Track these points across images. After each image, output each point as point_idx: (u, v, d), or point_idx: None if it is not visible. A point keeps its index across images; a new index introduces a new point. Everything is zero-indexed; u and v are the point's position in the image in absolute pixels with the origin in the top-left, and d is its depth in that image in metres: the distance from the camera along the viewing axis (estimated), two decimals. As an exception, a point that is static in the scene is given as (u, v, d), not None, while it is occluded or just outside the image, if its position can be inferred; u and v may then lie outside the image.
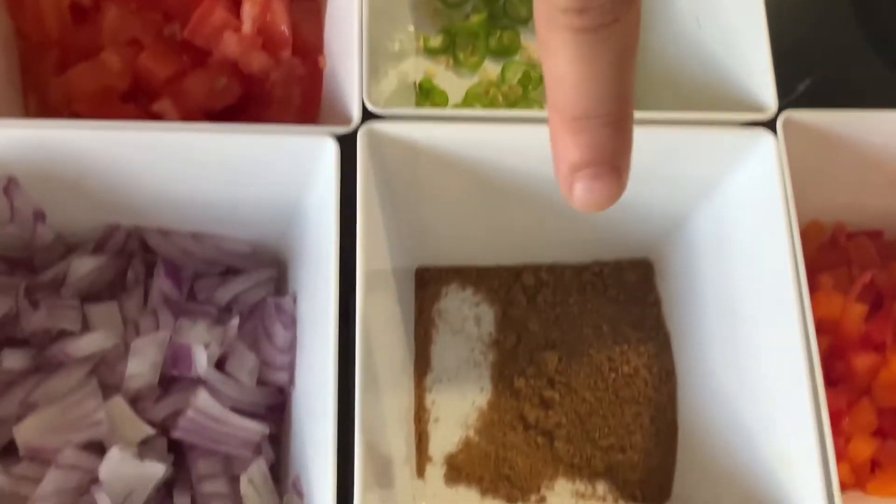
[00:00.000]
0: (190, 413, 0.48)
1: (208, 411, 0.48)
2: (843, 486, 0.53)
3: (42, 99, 0.54)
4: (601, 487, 0.55)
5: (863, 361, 0.54)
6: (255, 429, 0.49)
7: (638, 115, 0.51)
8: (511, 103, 0.61)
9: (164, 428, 0.49)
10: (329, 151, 0.47)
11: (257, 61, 0.53)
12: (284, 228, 0.53)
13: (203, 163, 0.48)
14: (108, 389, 0.48)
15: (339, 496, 0.43)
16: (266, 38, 0.54)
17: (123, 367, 0.49)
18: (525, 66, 0.62)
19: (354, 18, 0.50)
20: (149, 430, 0.48)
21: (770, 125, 0.50)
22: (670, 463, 0.56)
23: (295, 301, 0.52)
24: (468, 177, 0.52)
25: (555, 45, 0.26)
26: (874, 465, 0.54)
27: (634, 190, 0.52)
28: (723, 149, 0.51)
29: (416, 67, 0.63)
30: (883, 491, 0.53)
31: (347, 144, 0.48)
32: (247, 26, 0.53)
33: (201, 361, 0.49)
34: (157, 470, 0.46)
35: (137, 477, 0.46)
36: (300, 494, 0.47)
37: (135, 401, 0.49)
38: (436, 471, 0.55)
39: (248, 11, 0.53)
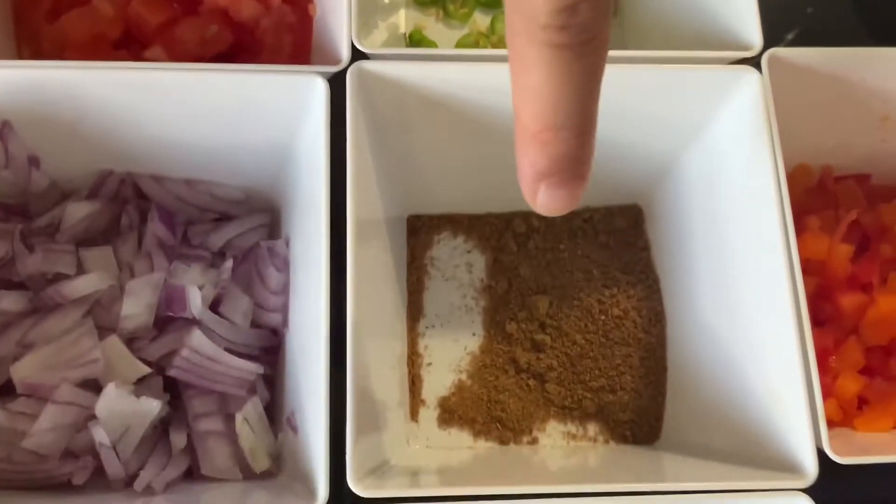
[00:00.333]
0: (185, 352, 0.48)
1: (203, 350, 0.49)
2: (832, 423, 0.54)
3: (35, 48, 0.54)
4: (592, 428, 0.56)
5: (850, 301, 0.55)
6: (250, 368, 0.50)
7: (626, 54, 0.53)
8: (501, 54, 0.61)
9: (160, 367, 0.50)
10: (318, 91, 0.48)
11: (248, 8, 0.54)
12: (277, 174, 0.54)
13: (194, 104, 0.49)
14: (103, 331, 0.49)
15: (333, 435, 0.44)
16: (256, -15, 0.54)
17: (119, 308, 0.49)
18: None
19: (344, -35, 0.50)
20: (144, 369, 0.49)
21: (757, 65, 0.51)
22: (660, 403, 0.56)
23: (288, 244, 0.53)
24: (459, 119, 0.52)
25: (531, 59, 0.27)
26: (861, 402, 0.55)
27: (623, 133, 0.54)
28: (709, 88, 0.51)
29: (406, 19, 0.63)
30: (870, 426, 0.53)
31: (338, 87, 0.49)
32: (237, -27, 0.54)
33: (195, 302, 0.49)
34: (153, 406, 0.47)
35: (134, 413, 0.47)
36: (294, 429, 0.48)
37: (130, 341, 0.49)
38: (429, 413, 0.56)
39: (238, -42, 0.54)
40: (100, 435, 0.46)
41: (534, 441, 0.55)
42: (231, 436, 0.49)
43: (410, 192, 0.57)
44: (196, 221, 0.55)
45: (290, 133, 0.50)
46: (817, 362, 0.47)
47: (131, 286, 0.49)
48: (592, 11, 0.26)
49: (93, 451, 0.47)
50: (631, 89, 0.51)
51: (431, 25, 0.63)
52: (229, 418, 0.49)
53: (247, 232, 0.54)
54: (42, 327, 0.49)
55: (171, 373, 0.48)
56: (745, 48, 0.51)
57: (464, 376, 0.57)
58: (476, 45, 0.62)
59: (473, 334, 0.58)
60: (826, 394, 0.53)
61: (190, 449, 0.49)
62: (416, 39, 0.62)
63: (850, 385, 0.54)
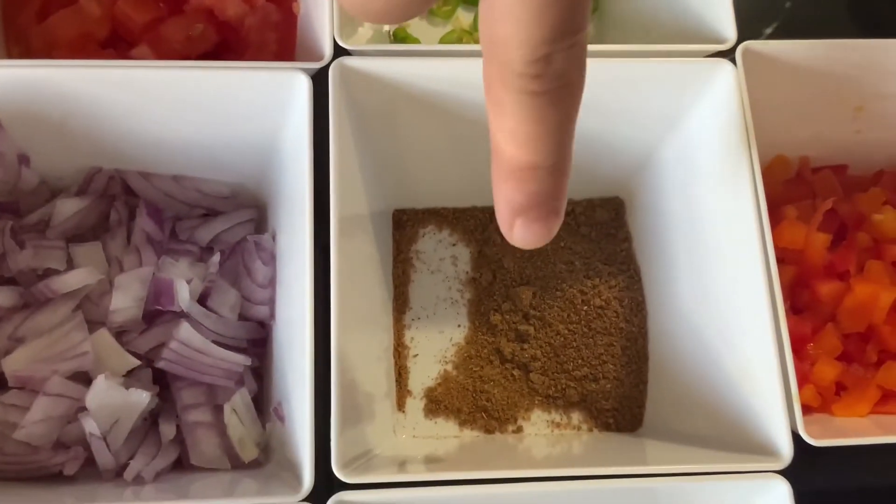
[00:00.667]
0: (173, 344, 0.49)
1: (191, 342, 0.50)
2: (810, 409, 0.55)
3: (24, 48, 0.55)
4: (576, 417, 0.57)
5: (827, 289, 0.56)
6: (238, 360, 0.51)
7: (602, 48, 0.54)
8: (483, 50, 0.62)
9: (149, 360, 0.50)
10: (301, 87, 0.49)
11: (233, 7, 0.55)
12: (262, 169, 0.54)
13: (180, 101, 0.50)
14: (93, 325, 0.50)
15: (319, 424, 0.45)
16: (241, -15, 0.55)
17: (108, 302, 0.50)
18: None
19: (327, -36, 0.51)
20: (134, 361, 0.49)
21: (732, 58, 0.52)
22: (642, 391, 0.57)
23: (274, 238, 0.54)
24: (442, 114, 0.53)
25: (507, 104, 0.28)
26: (839, 388, 0.56)
27: (602, 126, 0.55)
28: (685, 81, 0.52)
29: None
30: (847, 412, 0.54)
31: (321, 84, 0.50)
32: (221, -27, 0.55)
33: (184, 295, 0.50)
34: (142, 398, 0.48)
35: (123, 405, 0.48)
36: (281, 419, 0.49)
37: (120, 334, 0.50)
38: (416, 404, 0.57)
39: (223, -42, 0.55)
40: (90, 426, 0.47)
41: (519, 430, 0.56)
42: (219, 426, 0.50)
43: (395, 186, 0.58)
44: (184, 217, 0.56)
45: (275, 129, 0.51)
46: (795, 349, 0.48)
47: (120, 280, 0.50)
48: (567, 61, 0.27)
49: (83, 442, 0.48)
50: (608, 83, 0.52)
51: (415, 23, 0.64)
52: (218, 409, 0.50)
53: (234, 227, 0.55)
54: (33, 321, 0.49)
55: (160, 365, 0.49)
56: (720, 41, 0.52)
57: (449, 367, 0.58)
58: (459, 41, 0.63)
59: (459, 326, 0.59)
60: (804, 380, 0.54)
61: (179, 439, 0.50)
62: (400, 37, 0.63)
63: (828, 371, 0.55)
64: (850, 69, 0.54)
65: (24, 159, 0.52)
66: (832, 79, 0.54)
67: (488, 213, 0.61)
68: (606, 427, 0.57)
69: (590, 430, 0.57)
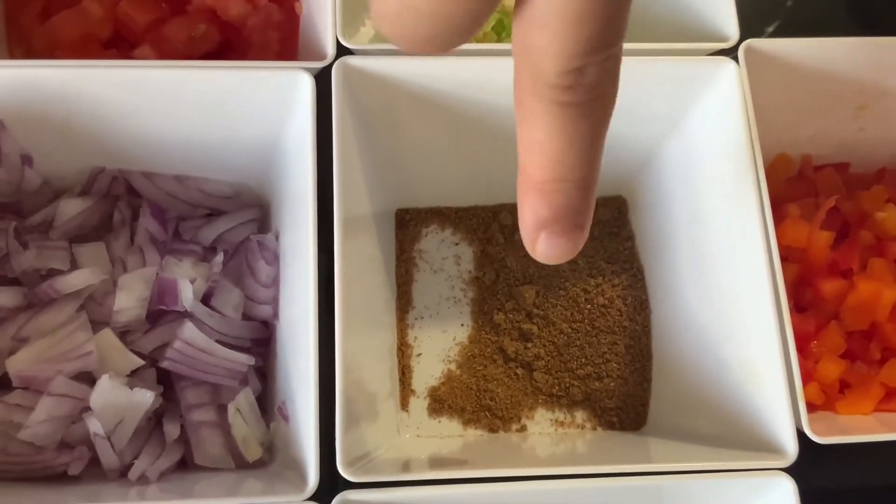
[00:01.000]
0: (177, 344, 0.49)
1: (195, 342, 0.50)
2: (814, 407, 0.55)
3: (27, 48, 0.55)
4: (580, 415, 0.57)
5: (830, 287, 0.56)
6: (242, 360, 0.51)
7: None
8: (486, 50, 0.62)
9: (153, 360, 0.50)
10: (304, 86, 0.49)
11: (235, 7, 0.55)
12: (266, 169, 0.55)
13: (183, 101, 0.50)
14: (97, 325, 0.50)
15: (323, 424, 0.45)
16: (243, -15, 0.55)
17: (112, 302, 0.50)
18: (499, 14, 0.63)
19: (329, -36, 0.51)
20: (138, 361, 0.49)
21: (735, 56, 0.52)
22: (645, 389, 0.57)
23: (277, 238, 0.54)
24: (445, 113, 0.53)
25: (537, 115, 0.27)
26: (843, 386, 0.56)
27: (605, 124, 0.54)
28: (687, 79, 0.52)
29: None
30: (851, 409, 0.54)
31: (324, 84, 0.50)
32: (224, -27, 0.55)
33: (187, 295, 0.50)
34: (146, 398, 0.48)
35: (127, 405, 0.48)
36: (286, 418, 0.49)
37: (124, 334, 0.50)
38: (419, 403, 0.57)
39: (226, -42, 0.55)
40: (94, 426, 0.47)
41: (522, 429, 0.56)
42: (224, 426, 0.50)
43: (398, 186, 0.58)
44: (187, 217, 0.56)
45: (278, 128, 0.51)
46: (799, 347, 0.48)
47: (124, 280, 0.50)
48: (601, 72, 0.26)
49: (88, 441, 0.48)
50: (611, 81, 0.51)
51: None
52: (222, 409, 0.50)
53: (237, 226, 0.55)
54: (37, 322, 0.50)
55: (164, 364, 0.49)
56: (723, 40, 0.52)
57: (453, 366, 0.58)
58: (461, 41, 0.63)
59: (462, 325, 0.59)
60: (808, 378, 0.54)
61: (183, 439, 0.50)
62: (401, 37, 0.63)
63: (832, 369, 0.55)
64: (852, 67, 0.54)
65: (27, 159, 0.52)
66: (835, 77, 0.54)
67: (491, 212, 0.61)
68: (610, 426, 0.57)
69: (594, 428, 0.57)
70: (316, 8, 0.54)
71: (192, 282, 0.51)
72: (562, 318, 0.58)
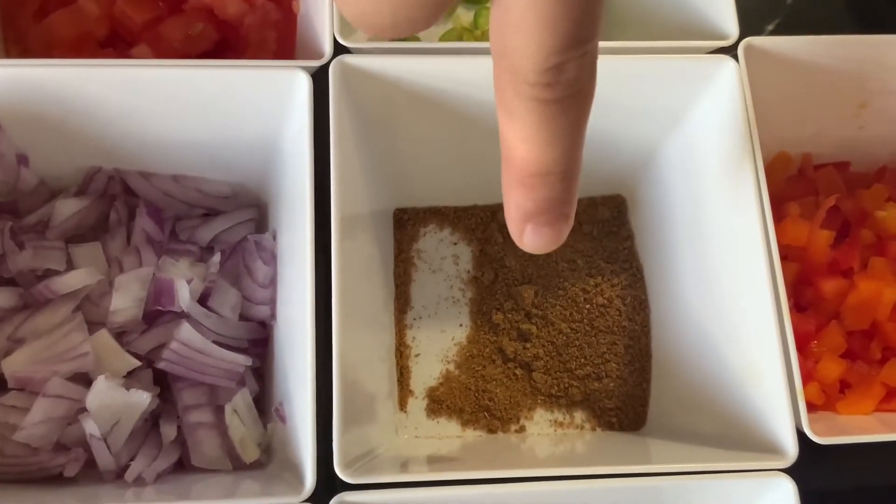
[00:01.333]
0: (174, 345, 0.49)
1: (192, 343, 0.49)
2: (815, 407, 0.54)
3: (23, 48, 0.55)
4: (579, 416, 0.57)
5: (830, 286, 0.56)
6: (239, 360, 0.50)
7: (603, 45, 0.53)
8: (484, 48, 0.62)
9: (149, 360, 0.50)
10: (301, 85, 0.48)
11: (232, 6, 0.55)
12: (263, 168, 0.54)
13: (180, 100, 0.49)
14: (93, 325, 0.50)
15: (321, 424, 0.45)
16: (240, -17, 0.55)
17: (108, 303, 0.50)
18: (497, 13, 0.63)
19: (326, -37, 0.51)
20: (134, 362, 0.49)
21: (733, 54, 0.52)
22: (645, 390, 0.57)
23: (275, 238, 0.53)
24: (442, 112, 0.53)
25: (518, 112, 0.28)
26: (843, 386, 0.55)
27: (604, 123, 0.54)
28: (687, 77, 0.52)
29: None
30: (851, 409, 0.54)
31: (321, 83, 0.49)
32: (221, -29, 0.54)
33: (184, 295, 0.50)
34: (143, 399, 0.48)
35: (124, 406, 0.47)
36: (283, 419, 0.49)
37: (120, 334, 0.50)
38: (418, 404, 0.56)
39: (222, -43, 0.55)
40: (90, 427, 0.46)
41: (521, 429, 0.56)
42: (221, 427, 0.50)
43: (396, 185, 0.58)
44: (184, 217, 0.55)
45: (275, 127, 0.51)
46: (799, 347, 0.48)
47: (120, 281, 0.50)
48: (580, 69, 0.27)
49: (84, 443, 0.47)
50: (610, 80, 0.51)
51: (415, 21, 0.64)
52: (219, 410, 0.50)
53: (234, 226, 0.55)
54: (33, 322, 0.49)
55: (161, 365, 0.49)
56: (722, 38, 0.52)
57: (451, 366, 0.57)
58: (460, 39, 0.63)
59: (461, 325, 0.58)
60: (808, 378, 0.54)
61: (180, 440, 0.50)
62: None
63: (832, 369, 0.54)
64: (852, 65, 0.54)
65: (23, 159, 0.52)
66: (835, 75, 0.54)
67: (490, 212, 0.61)
68: (610, 426, 0.56)
69: (593, 429, 0.56)
70: (313, 6, 0.54)
71: (189, 282, 0.51)
72: (561, 318, 0.58)
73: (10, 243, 0.51)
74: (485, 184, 0.60)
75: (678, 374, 0.55)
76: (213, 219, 0.55)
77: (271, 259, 0.53)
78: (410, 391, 0.57)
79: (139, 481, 0.47)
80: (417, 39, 0.63)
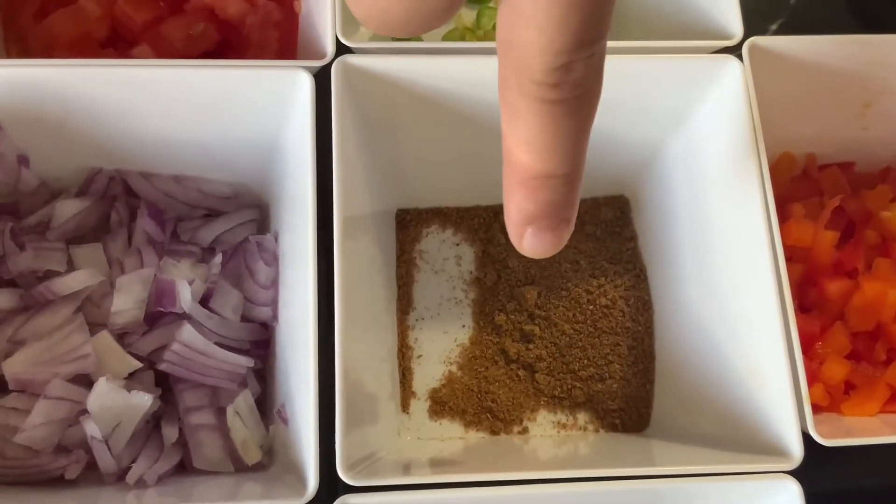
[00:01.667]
0: (175, 346, 0.49)
1: (193, 344, 0.49)
2: (819, 408, 0.54)
3: (23, 48, 0.54)
4: (582, 417, 0.56)
5: (835, 287, 0.56)
6: (240, 362, 0.50)
7: (608, 44, 0.53)
8: (487, 48, 0.62)
9: (150, 362, 0.50)
10: (303, 85, 0.48)
11: (233, 6, 0.54)
12: (265, 169, 0.54)
13: (181, 100, 0.49)
14: (94, 327, 0.50)
15: (323, 426, 0.44)
16: (242, -17, 0.55)
17: (109, 305, 0.50)
18: (500, 12, 0.63)
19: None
20: (135, 364, 0.49)
21: (739, 54, 0.51)
22: (649, 391, 0.57)
23: (277, 239, 0.53)
24: (445, 113, 0.53)
25: (522, 112, 0.27)
26: (848, 387, 0.55)
27: (608, 123, 0.54)
28: (691, 77, 0.52)
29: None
30: (856, 411, 0.54)
31: (323, 83, 0.49)
32: (222, -29, 0.54)
33: (186, 297, 0.50)
34: (144, 400, 0.47)
35: (125, 407, 0.47)
36: (285, 421, 0.48)
37: (121, 336, 0.50)
38: (420, 405, 0.56)
39: (224, -43, 0.54)
40: (92, 429, 0.46)
41: (524, 431, 0.56)
42: (222, 429, 0.49)
43: (398, 186, 0.58)
44: (185, 218, 0.55)
45: (277, 128, 0.51)
46: (804, 348, 0.48)
47: (121, 282, 0.50)
48: (587, 69, 0.26)
49: (85, 445, 0.47)
50: (614, 79, 0.50)
51: (417, 21, 0.64)
52: (220, 411, 0.50)
53: (236, 227, 0.54)
54: (33, 324, 0.49)
55: (162, 367, 0.49)
56: (727, 37, 0.52)
57: (454, 368, 0.57)
58: (462, 39, 0.62)
59: (463, 326, 0.58)
60: (813, 379, 0.53)
61: (182, 442, 0.49)
62: (401, 37, 0.62)
63: (837, 370, 0.54)
64: (857, 65, 0.53)
65: (23, 160, 0.52)
66: (839, 75, 0.54)
67: (492, 213, 0.60)
68: (613, 427, 0.56)
69: (596, 430, 0.56)
70: (315, 6, 0.54)
71: (191, 283, 0.50)
72: (564, 319, 0.57)
73: (10, 244, 0.51)
74: (487, 184, 0.59)
75: (682, 376, 0.55)
76: (215, 220, 0.55)
77: (273, 260, 0.53)
78: (413, 393, 0.56)
79: (140, 483, 0.47)
80: (420, 39, 0.62)
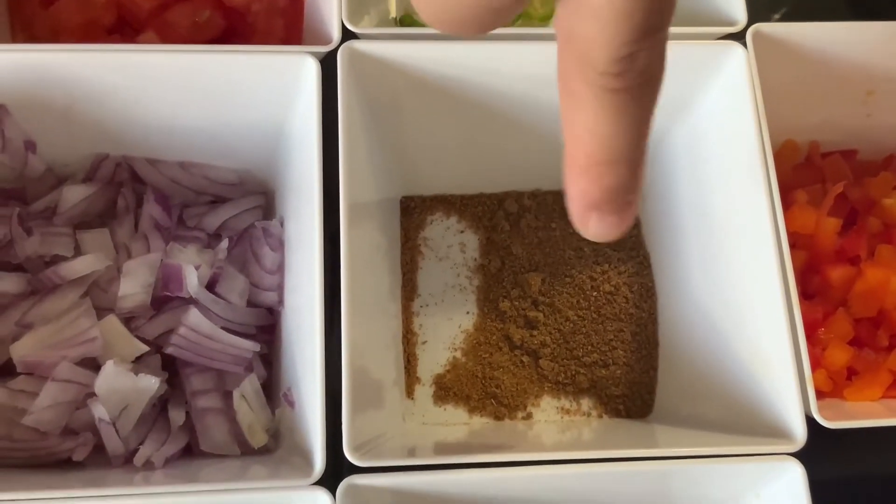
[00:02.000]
0: (182, 330, 0.49)
1: (200, 328, 0.49)
2: (822, 394, 0.54)
3: (30, 34, 0.55)
4: (586, 403, 0.57)
5: (838, 274, 0.56)
6: (247, 346, 0.50)
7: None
8: (490, 36, 0.62)
9: (157, 346, 0.50)
10: (309, 70, 0.48)
11: (239, -7, 0.55)
12: (270, 155, 0.54)
13: (187, 86, 0.49)
14: (101, 312, 0.50)
15: (329, 409, 0.45)
16: (247, -30, 0.55)
17: (116, 289, 0.50)
18: None
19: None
20: (143, 347, 0.49)
21: (742, 41, 0.52)
22: (652, 377, 0.57)
23: (282, 224, 0.53)
24: (450, 100, 0.53)
25: (585, 101, 0.26)
26: (850, 373, 0.55)
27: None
28: (695, 63, 0.52)
29: (397, 5, 0.64)
30: (859, 396, 0.54)
31: (329, 69, 0.49)
32: (228, -42, 0.54)
33: (192, 281, 0.50)
34: (151, 384, 0.48)
35: (132, 390, 0.47)
36: (291, 404, 0.49)
37: (128, 320, 0.50)
38: (425, 391, 0.56)
39: (230, -57, 0.55)
40: (99, 412, 0.47)
41: (528, 416, 0.56)
42: (229, 412, 0.50)
43: (403, 173, 0.58)
44: (191, 204, 0.55)
45: (283, 113, 0.51)
46: (807, 334, 0.48)
47: (128, 266, 0.50)
48: (651, 57, 0.26)
49: (93, 427, 0.48)
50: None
51: (422, 10, 0.64)
52: (227, 395, 0.50)
53: (242, 213, 0.55)
54: (41, 308, 0.49)
55: (169, 351, 0.49)
56: (731, 24, 0.52)
57: (458, 354, 0.57)
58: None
59: (467, 312, 0.58)
60: (815, 365, 0.54)
61: (188, 425, 0.50)
62: (406, 24, 0.62)
63: (839, 356, 0.54)
64: (861, 52, 0.54)
65: (30, 145, 0.52)
66: (843, 62, 0.54)
67: (496, 200, 0.61)
68: (617, 413, 0.56)
69: (600, 416, 0.56)
70: (320, -7, 0.54)
71: (197, 268, 0.51)
72: (568, 306, 0.58)
73: (17, 229, 0.51)
74: (492, 172, 0.60)
75: (685, 362, 0.55)
76: (221, 206, 0.55)
77: (279, 245, 0.53)
78: (417, 378, 0.57)
79: (148, 465, 0.47)
80: (425, 25, 0.62)
